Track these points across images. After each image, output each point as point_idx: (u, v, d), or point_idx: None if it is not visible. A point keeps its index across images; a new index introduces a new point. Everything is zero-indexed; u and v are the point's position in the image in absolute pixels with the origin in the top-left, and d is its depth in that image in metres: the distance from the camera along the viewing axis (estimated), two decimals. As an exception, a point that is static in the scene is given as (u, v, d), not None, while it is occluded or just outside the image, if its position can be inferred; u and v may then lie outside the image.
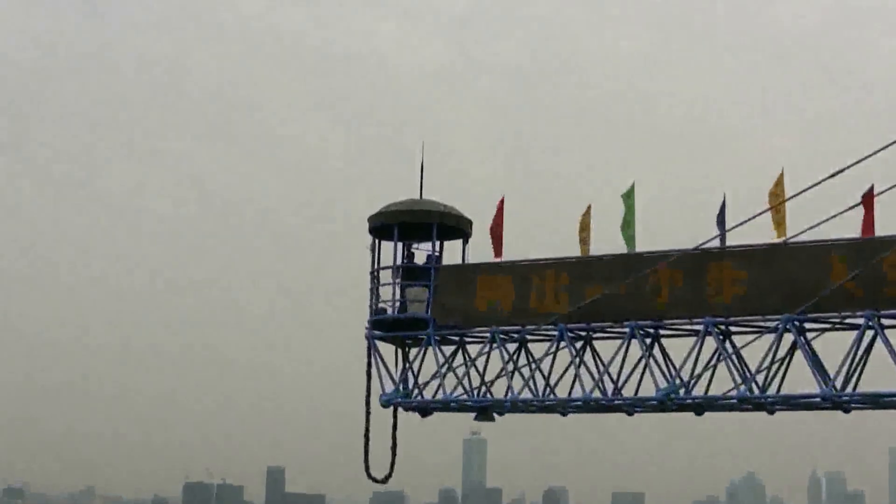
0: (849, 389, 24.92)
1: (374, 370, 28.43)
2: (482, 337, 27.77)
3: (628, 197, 26.82)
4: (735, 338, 25.85)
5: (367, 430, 28.30)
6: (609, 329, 26.77)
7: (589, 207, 27.50)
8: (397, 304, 28.28)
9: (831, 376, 24.90)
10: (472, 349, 28.07)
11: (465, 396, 27.47)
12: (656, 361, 25.98)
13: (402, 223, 28.41)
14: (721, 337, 25.44)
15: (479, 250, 28.67)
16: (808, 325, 25.22)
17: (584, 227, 27.37)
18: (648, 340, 25.99)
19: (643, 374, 25.99)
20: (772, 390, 25.70)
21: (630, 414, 27.10)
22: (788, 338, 25.05)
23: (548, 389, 26.98)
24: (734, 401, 25.66)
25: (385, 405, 28.32)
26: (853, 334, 24.79)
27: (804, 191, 25.11)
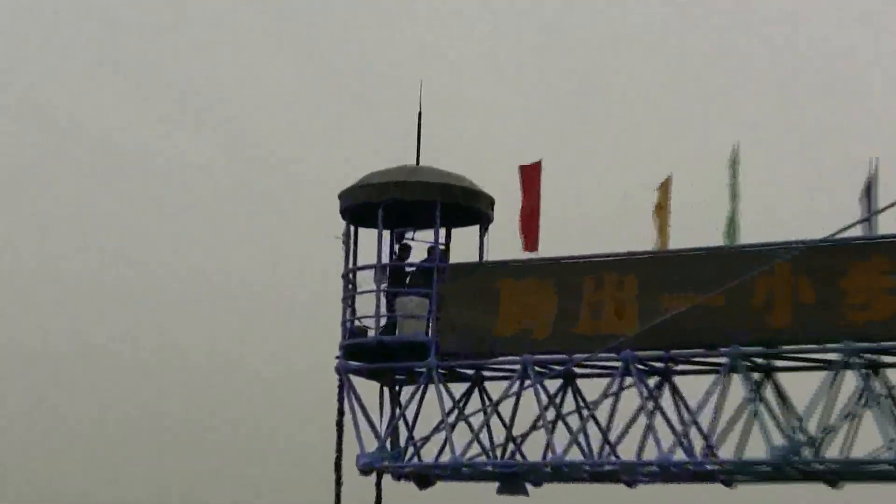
0: None
1: (348, 419, 24.77)
2: (508, 370, 24.26)
3: (732, 167, 23.18)
4: (890, 372, 22.60)
5: (337, 506, 25.69)
6: (698, 359, 23.20)
7: (668, 179, 23.71)
8: (383, 321, 24.78)
9: None
10: (494, 388, 24.45)
11: (483, 458, 24.13)
12: (768, 407, 22.41)
13: (391, 201, 24.62)
14: (867, 371, 22.07)
15: (503, 242, 25.14)
16: None
17: (662, 208, 23.67)
18: (757, 375, 22.50)
19: (749, 425, 22.43)
20: (947, 452, 21.82)
21: (729, 485, 23.55)
22: (973, 374, 22.25)
23: (606, 448, 23.53)
24: (890, 466, 21.77)
25: (365, 471, 24.62)
26: None
27: None
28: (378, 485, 25.22)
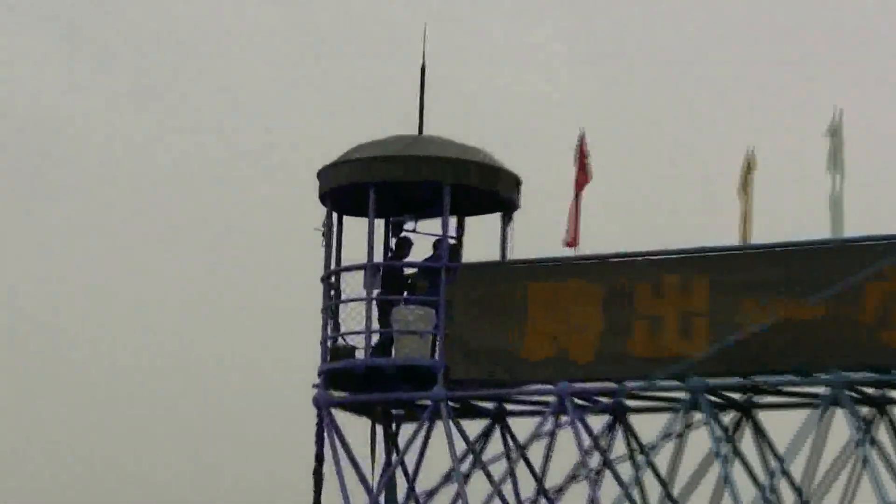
0: None
1: (329, 466, 21.97)
2: (539, 403, 21.46)
3: (834, 136, 20.24)
4: None
5: (316, 583, 23.45)
6: (788, 388, 20.48)
7: (751, 154, 20.86)
8: (375, 338, 22.02)
9: None
10: (521, 427, 21.62)
11: (506, 518, 22.33)
12: (881, 450, 20.26)
13: (384, 183, 21.91)
14: None
15: (532, 235, 22.54)
16: None
17: (745, 188, 20.76)
18: (867, 410, 20.38)
19: (857, 474, 20.32)
20: None
21: (829, 552, 21.22)
22: None
23: (668, 504, 21.63)
24: None
25: (353, 536, 23.21)
26: None
27: None
28: (370, 553, 23.31)
